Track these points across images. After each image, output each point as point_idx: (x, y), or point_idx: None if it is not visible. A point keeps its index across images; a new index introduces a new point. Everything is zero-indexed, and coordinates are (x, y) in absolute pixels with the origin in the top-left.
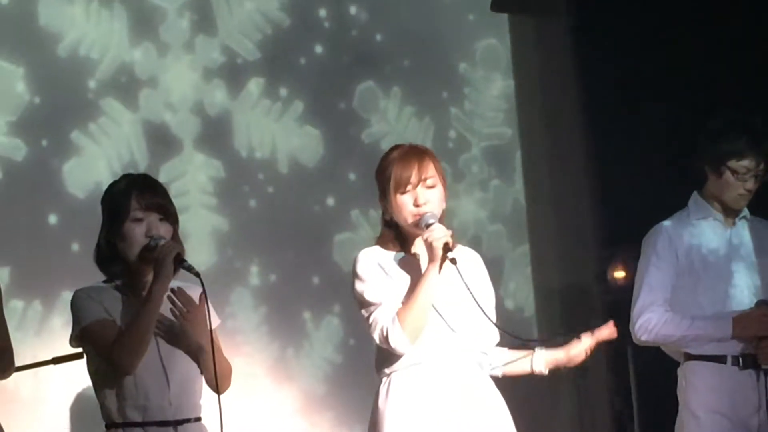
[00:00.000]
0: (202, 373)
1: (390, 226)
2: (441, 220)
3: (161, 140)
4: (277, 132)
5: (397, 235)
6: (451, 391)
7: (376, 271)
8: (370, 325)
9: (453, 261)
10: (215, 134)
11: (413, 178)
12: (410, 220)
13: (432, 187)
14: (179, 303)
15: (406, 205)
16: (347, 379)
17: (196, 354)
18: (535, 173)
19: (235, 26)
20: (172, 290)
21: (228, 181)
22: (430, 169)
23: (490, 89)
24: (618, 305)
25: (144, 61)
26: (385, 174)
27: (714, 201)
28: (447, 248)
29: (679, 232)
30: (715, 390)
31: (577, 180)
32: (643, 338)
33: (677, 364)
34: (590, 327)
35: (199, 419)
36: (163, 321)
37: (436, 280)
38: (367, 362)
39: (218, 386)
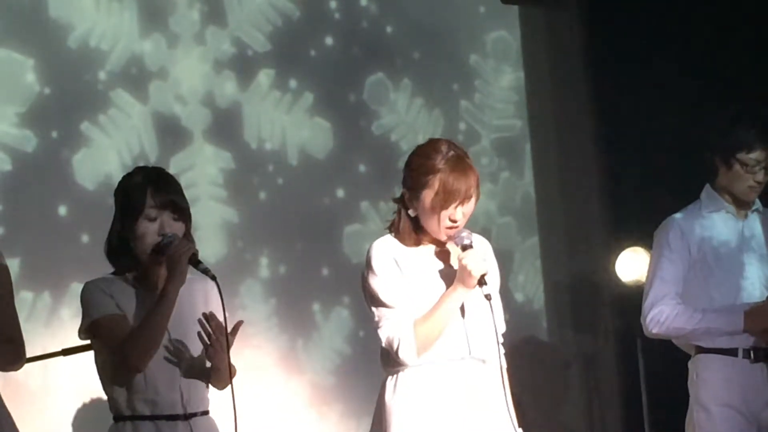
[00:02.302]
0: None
1: (412, 220)
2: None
3: (171, 132)
4: (287, 124)
5: (418, 230)
6: (459, 391)
7: (392, 267)
8: (378, 327)
9: (488, 297)
10: (225, 126)
11: (460, 197)
12: (442, 235)
13: (470, 197)
14: (208, 329)
15: (443, 220)
16: (356, 370)
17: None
18: (544, 165)
19: (246, 18)
20: (204, 315)
21: (238, 172)
22: (473, 188)
23: (500, 81)
24: (627, 298)
25: (154, 52)
26: (426, 179)
27: (725, 193)
28: (483, 281)
29: (691, 225)
30: (726, 383)
31: (587, 172)
32: (654, 331)
33: (687, 357)
34: (599, 319)
35: (207, 413)
36: (173, 317)
37: (460, 303)
38: (376, 354)
39: (217, 383)
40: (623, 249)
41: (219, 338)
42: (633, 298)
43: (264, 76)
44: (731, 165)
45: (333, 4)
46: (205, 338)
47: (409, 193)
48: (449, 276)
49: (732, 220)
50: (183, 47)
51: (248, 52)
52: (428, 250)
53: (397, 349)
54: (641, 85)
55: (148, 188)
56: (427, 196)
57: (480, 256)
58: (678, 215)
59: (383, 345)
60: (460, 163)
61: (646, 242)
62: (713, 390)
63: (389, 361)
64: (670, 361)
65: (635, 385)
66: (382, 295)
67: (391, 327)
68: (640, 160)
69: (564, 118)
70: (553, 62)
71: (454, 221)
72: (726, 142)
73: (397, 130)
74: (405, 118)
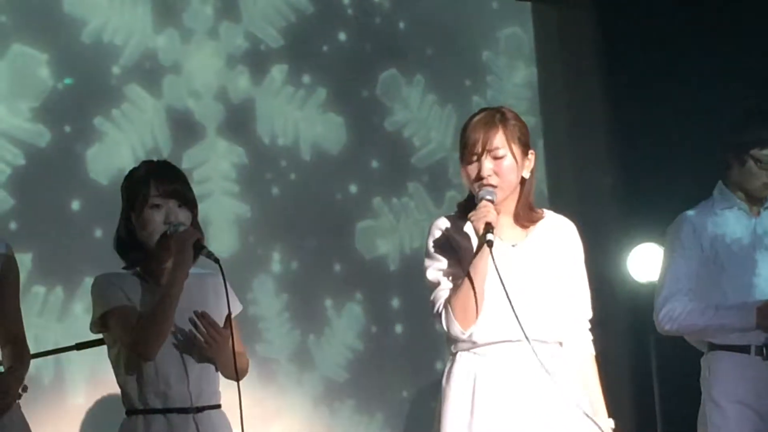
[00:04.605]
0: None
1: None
2: (525, 190)
3: (184, 127)
4: (300, 119)
5: (473, 204)
6: (518, 375)
7: (442, 244)
8: (431, 306)
9: (489, 244)
10: (238, 121)
11: (477, 149)
12: (476, 192)
13: (500, 158)
14: (202, 327)
15: (471, 178)
16: (368, 366)
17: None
18: (557, 162)
19: (259, 13)
20: (195, 313)
21: (251, 168)
22: (497, 139)
23: (512, 78)
24: (639, 295)
25: (168, 47)
26: (460, 140)
27: (738, 190)
28: (488, 229)
29: (704, 222)
30: (738, 380)
31: (600, 169)
32: (667, 327)
33: (699, 354)
34: (611, 316)
35: (218, 406)
36: (184, 308)
37: (484, 262)
38: (388, 350)
39: (225, 373)
40: (636, 245)
41: (213, 336)
42: (646, 294)
43: (277, 72)
44: (744, 161)
45: (346, 0)
46: (200, 337)
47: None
48: (504, 248)
49: (745, 218)
50: (196, 42)
51: (261, 47)
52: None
53: (441, 321)
54: (654, 81)
55: (152, 179)
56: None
57: (487, 207)
58: (690, 212)
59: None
60: (485, 116)
61: (659, 239)
62: (726, 387)
63: (449, 341)
64: (682, 358)
65: (648, 382)
66: (429, 275)
67: (436, 303)
68: (653, 156)
69: (577, 114)
70: (566, 59)
71: (480, 177)
72: (739, 139)
73: (409, 126)
74: (418, 114)
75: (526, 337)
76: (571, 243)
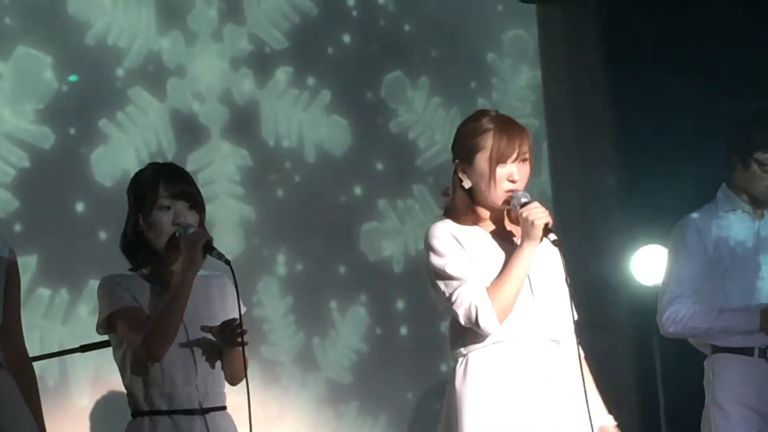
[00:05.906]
0: (224, 366)
1: (468, 194)
2: None
3: (189, 129)
4: (305, 121)
5: (473, 207)
6: (532, 372)
7: (455, 245)
8: (452, 303)
9: (555, 243)
10: (243, 123)
11: (515, 153)
12: (501, 196)
13: (526, 161)
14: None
15: (500, 182)
16: (373, 368)
17: (221, 349)
18: (561, 164)
19: (263, 15)
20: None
21: (255, 170)
22: (527, 144)
23: (517, 80)
24: (643, 297)
25: (172, 50)
26: (477, 141)
27: (742, 193)
28: (548, 229)
29: (708, 224)
30: (741, 382)
31: (604, 171)
32: (671, 330)
33: (703, 356)
34: (615, 318)
35: (224, 408)
36: (189, 309)
37: (531, 260)
38: (393, 352)
39: (234, 379)
40: (639, 247)
41: (229, 335)
42: (649, 296)
43: (282, 74)
44: (748, 164)
45: (351, 2)
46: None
47: (462, 163)
48: (511, 253)
49: (748, 220)
50: (201, 45)
51: (266, 49)
52: (487, 228)
53: (476, 319)
54: (659, 83)
55: (161, 180)
56: (481, 158)
57: (541, 208)
58: (694, 214)
59: (462, 320)
60: (511, 121)
61: (663, 241)
62: (729, 389)
63: (458, 341)
64: (686, 361)
65: (652, 384)
66: (450, 270)
67: (466, 298)
68: (657, 158)
69: (581, 117)
70: (570, 61)
71: (513, 181)
72: (743, 142)
73: (414, 128)
74: (422, 116)
75: (577, 340)
76: (552, 247)
